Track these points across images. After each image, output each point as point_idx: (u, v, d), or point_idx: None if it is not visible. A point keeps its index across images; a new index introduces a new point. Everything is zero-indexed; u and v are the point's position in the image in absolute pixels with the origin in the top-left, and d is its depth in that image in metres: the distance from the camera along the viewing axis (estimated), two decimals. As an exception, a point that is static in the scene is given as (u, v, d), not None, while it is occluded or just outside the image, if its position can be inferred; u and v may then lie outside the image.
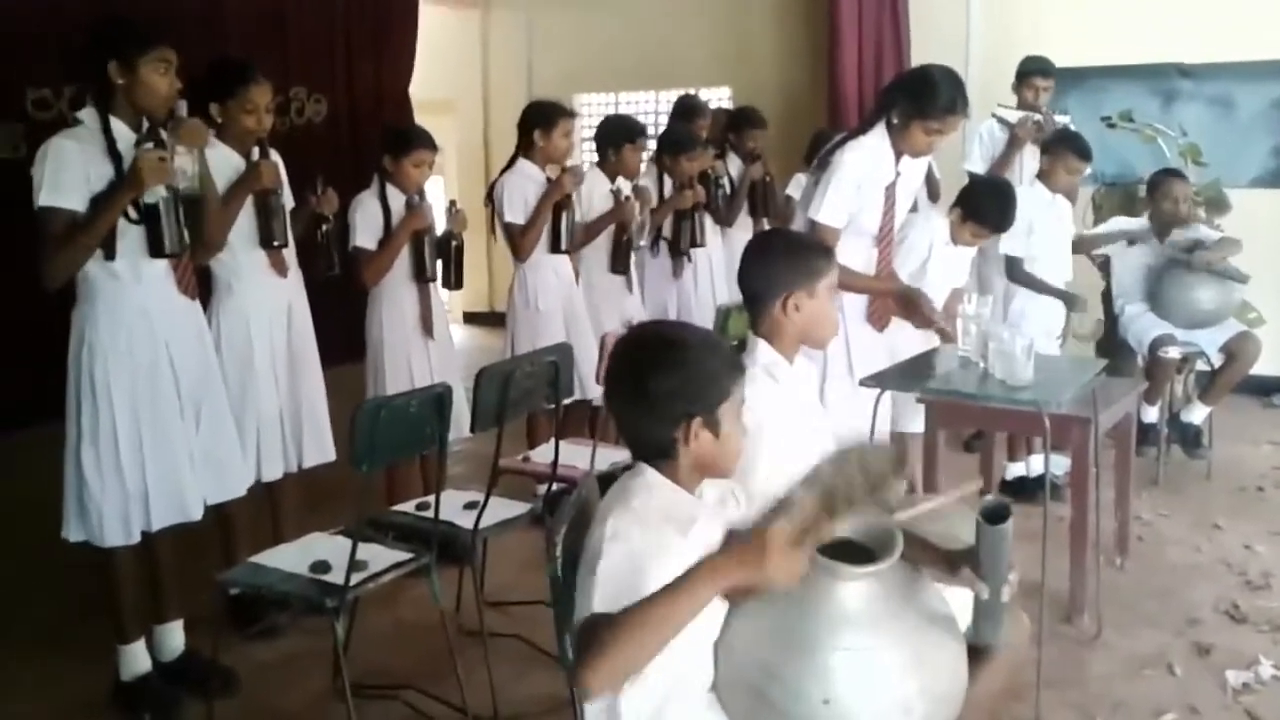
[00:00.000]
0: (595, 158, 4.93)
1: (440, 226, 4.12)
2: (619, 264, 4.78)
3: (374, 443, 2.69)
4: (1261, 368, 5.16)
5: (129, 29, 2.89)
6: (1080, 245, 5.12)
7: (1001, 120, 5.32)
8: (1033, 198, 4.51)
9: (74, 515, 2.98)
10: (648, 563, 1.64)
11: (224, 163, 3.33)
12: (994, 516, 1.78)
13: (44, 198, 2.79)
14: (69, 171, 2.80)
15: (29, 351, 4.69)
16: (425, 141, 4.04)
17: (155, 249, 2.91)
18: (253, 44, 6.48)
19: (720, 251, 5.46)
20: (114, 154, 2.84)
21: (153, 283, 2.98)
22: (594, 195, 4.72)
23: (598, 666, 1.57)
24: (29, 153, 3.11)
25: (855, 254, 3.52)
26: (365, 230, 3.94)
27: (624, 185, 4.78)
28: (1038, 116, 5.15)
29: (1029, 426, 3.70)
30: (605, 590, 1.63)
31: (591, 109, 8.50)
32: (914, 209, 4.07)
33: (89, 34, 2.89)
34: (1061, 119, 5.26)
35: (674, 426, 1.77)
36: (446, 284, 4.19)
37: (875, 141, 3.52)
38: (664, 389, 1.77)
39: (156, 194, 2.84)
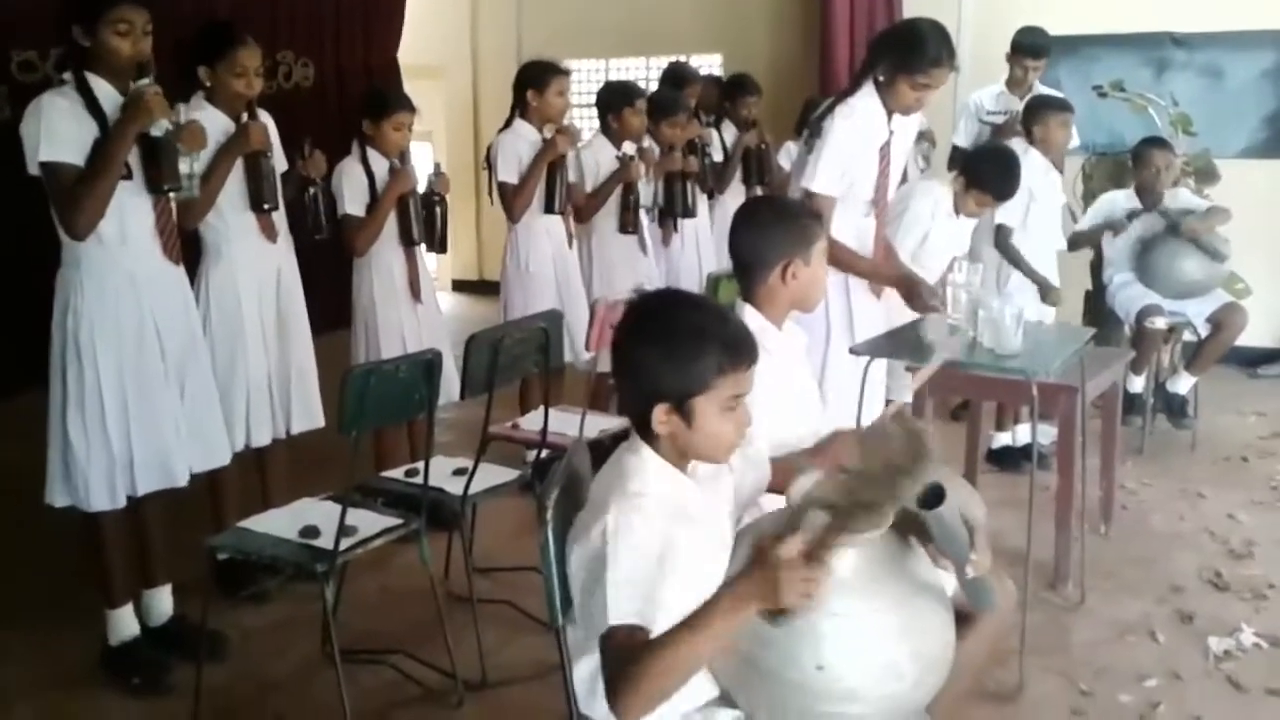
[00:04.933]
0: (596, 125, 4.91)
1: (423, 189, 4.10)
2: (628, 224, 4.77)
3: (363, 408, 2.69)
4: (1248, 339, 5.17)
5: None
6: (1075, 243, 5.14)
7: (986, 122, 5.33)
8: (1029, 165, 4.48)
9: (59, 480, 2.98)
10: (658, 566, 1.63)
11: (213, 126, 3.30)
12: (929, 501, 1.74)
13: (44, 153, 2.78)
14: (64, 126, 2.80)
15: (12, 317, 4.65)
16: (404, 104, 4.01)
17: (154, 184, 2.91)
18: (241, 7, 6.40)
19: (708, 219, 5.45)
20: (96, 113, 2.83)
21: (139, 248, 2.96)
22: (600, 163, 4.72)
23: (630, 703, 1.60)
24: (14, 115, 3.08)
25: (848, 223, 3.43)
26: (352, 197, 3.91)
27: (629, 148, 4.77)
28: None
29: (1017, 395, 3.72)
30: (620, 602, 1.62)
31: (581, 75, 8.43)
32: (904, 179, 4.03)
33: None
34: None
35: (644, 403, 1.74)
36: (430, 246, 4.16)
37: (865, 102, 3.39)
38: (639, 361, 1.75)
39: (161, 127, 2.86)
